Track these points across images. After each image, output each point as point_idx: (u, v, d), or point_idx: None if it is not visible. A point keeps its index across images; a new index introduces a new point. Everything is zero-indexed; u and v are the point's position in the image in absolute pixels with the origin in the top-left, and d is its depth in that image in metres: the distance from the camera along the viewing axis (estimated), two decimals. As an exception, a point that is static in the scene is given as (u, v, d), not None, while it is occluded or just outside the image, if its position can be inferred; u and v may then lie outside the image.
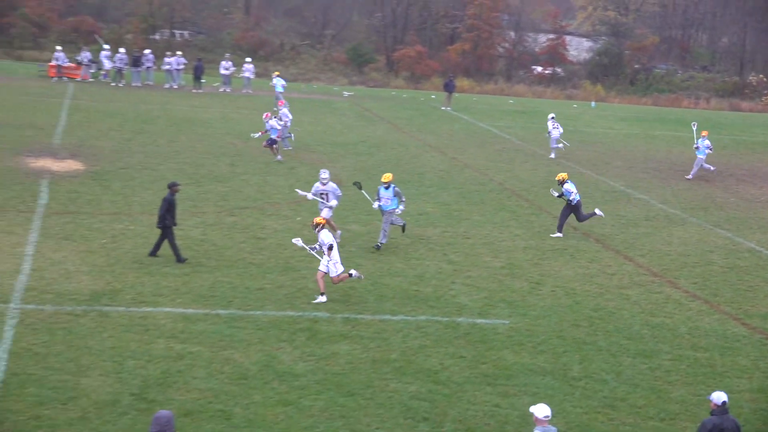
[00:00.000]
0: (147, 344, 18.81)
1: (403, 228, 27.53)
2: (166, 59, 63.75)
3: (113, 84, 61.72)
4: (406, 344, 19.85)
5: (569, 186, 29.44)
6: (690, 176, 41.72)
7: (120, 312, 20.44)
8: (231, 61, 64.56)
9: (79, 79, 62.11)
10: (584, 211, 30.11)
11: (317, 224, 22.32)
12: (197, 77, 62.34)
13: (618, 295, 24.35)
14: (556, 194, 29.97)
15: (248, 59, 66.18)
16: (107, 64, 62.95)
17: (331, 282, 22.09)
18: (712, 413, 13.75)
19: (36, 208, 28.55)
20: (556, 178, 30.14)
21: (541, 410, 12.80)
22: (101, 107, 50.47)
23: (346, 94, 67.86)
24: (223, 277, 23.17)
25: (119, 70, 62.41)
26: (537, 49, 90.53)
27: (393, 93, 71.68)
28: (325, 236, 22.03)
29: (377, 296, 22.73)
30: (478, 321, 21.59)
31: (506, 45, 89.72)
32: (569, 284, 24.92)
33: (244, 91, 62.53)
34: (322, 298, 21.83)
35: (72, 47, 70.01)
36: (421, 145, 46.01)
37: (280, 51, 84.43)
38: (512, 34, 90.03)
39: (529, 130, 53.95)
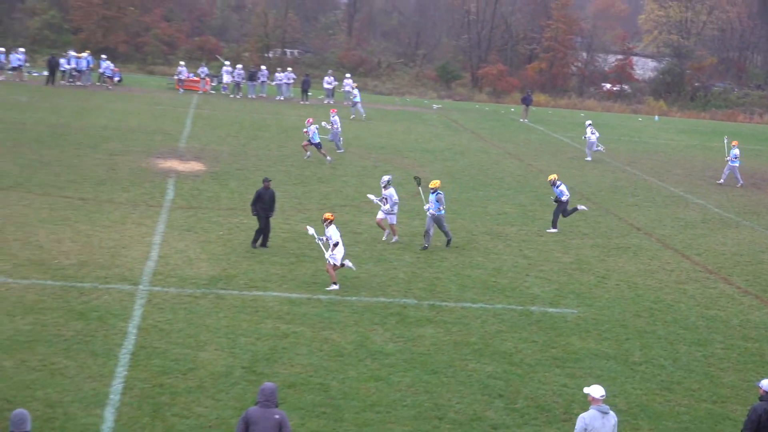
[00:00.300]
0: (257, 324, 18.98)
1: (426, 246, 25.79)
2: (278, 74, 64.28)
3: (232, 96, 62.38)
4: (484, 329, 19.76)
5: (563, 187, 28.97)
6: (722, 180, 41.23)
7: (234, 295, 20.65)
8: (333, 76, 64.83)
9: (199, 91, 62.88)
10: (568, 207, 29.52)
11: (326, 219, 21.93)
12: (304, 90, 62.73)
13: (676, 289, 23.98)
14: (553, 199, 29.54)
15: (348, 75, 66.40)
16: (227, 78, 63.67)
17: (327, 269, 22.03)
18: (760, 399, 13.43)
19: (163, 203, 28.96)
20: (548, 179, 29.57)
21: (596, 390, 12.63)
22: (221, 116, 51.05)
23: (435, 106, 67.74)
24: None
25: (237, 84, 63.10)
26: (606, 68, 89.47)
27: (476, 106, 71.38)
28: (333, 232, 21.58)
29: (459, 286, 22.66)
30: (549, 310, 21.41)
31: (579, 64, 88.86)
32: (632, 279, 24.59)
33: (345, 103, 62.76)
34: (335, 287, 21.50)
35: (197, 63, 70.92)
36: (501, 153, 45.77)
37: (377, 68, 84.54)
38: (584, 54, 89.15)
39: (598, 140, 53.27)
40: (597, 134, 46.17)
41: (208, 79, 64.73)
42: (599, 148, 45.78)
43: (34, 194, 28.53)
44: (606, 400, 12.70)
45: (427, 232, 25.80)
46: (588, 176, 40.55)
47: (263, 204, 24.71)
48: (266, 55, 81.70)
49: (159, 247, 23.96)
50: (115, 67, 65.04)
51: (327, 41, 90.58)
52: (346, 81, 63.52)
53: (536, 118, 63.58)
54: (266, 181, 25.38)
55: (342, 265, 21.55)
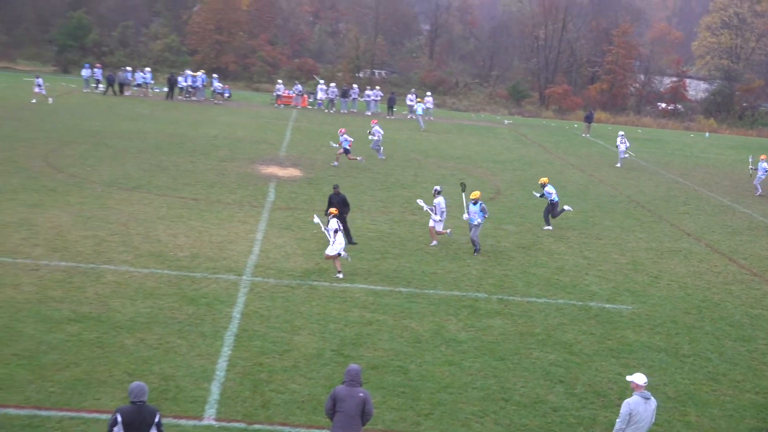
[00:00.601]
0: (345, 312, 19.04)
1: (476, 250, 24.83)
2: (367, 92, 64.45)
3: (326, 111, 62.72)
4: (547, 321, 19.56)
5: (550, 188, 28.49)
6: (759, 192, 40.24)
7: (325, 286, 20.74)
8: (416, 94, 64.82)
9: (294, 106, 63.42)
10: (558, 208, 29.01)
11: (330, 213, 22.11)
12: (390, 107, 62.82)
13: (723, 289, 23.46)
14: (538, 195, 29.17)
15: (429, 93, 66.32)
16: (321, 95, 64.07)
17: (325, 258, 22.04)
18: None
19: (265, 204, 29.24)
20: (539, 182, 29.05)
21: (639, 378, 12.44)
22: (316, 128, 51.35)
23: (506, 122, 67.27)
24: (405, 262, 23.26)
25: (331, 100, 63.46)
26: (662, 89, 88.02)
27: (543, 122, 70.71)
28: (332, 224, 21.46)
29: (525, 282, 22.46)
30: (606, 306, 21.11)
31: (637, 85, 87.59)
32: (682, 279, 24.12)
33: (427, 117, 62.65)
34: (340, 275, 21.40)
35: (295, 82, 71.50)
36: (565, 164, 45.27)
37: (455, 87, 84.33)
38: (642, 76, 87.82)
39: (653, 154, 52.43)
40: (627, 144, 46.49)
41: (305, 95, 65.29)
42: (626, 155, 46.34)
43: (154, 194, 29.03)
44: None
45: (473, 240, 24.84)
46: (644, 186, 39.86)
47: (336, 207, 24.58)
48: (357, 74, 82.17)
49: (260, 242, 24.19)
50: (225, 84, 65.98)
51: (411, 63, 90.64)
52: (427, 99, 63.46)
53: (597, 133, 62.72)
54: (336, 187, 25.35)
55: (339, 254, 21.32)
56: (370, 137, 41.25)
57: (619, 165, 45.69)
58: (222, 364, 15.72)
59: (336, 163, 38.30)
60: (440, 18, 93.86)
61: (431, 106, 63.76)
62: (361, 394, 11.82)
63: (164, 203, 27.97)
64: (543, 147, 52.17)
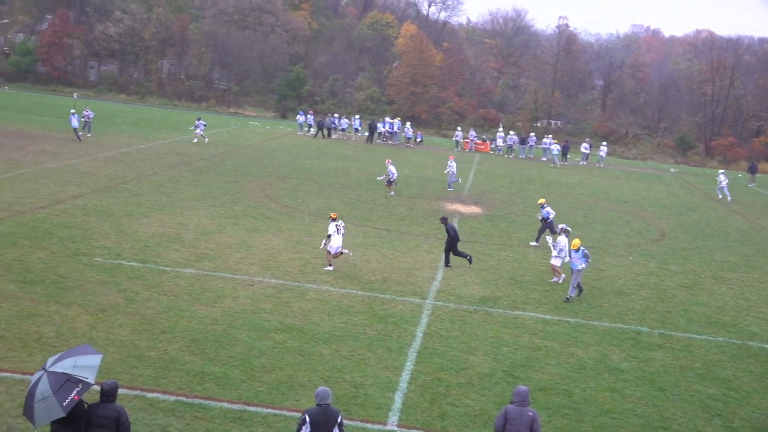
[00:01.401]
0: (516, 337, 18.72)
1: (580, 291, 22.52)
2: (544, 140, 63.61)
3: (506, 156, 62.42)
4: (707, 357, 18.52)
5: (549, 209, 28.70)
6: None
7: (499, 313, 20.49)
8: (590, 143, 63.48)
9: (467, 149, 63.68)
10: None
11: (330, 217, 23.25)
12: (564, 154, 61.74)
13: None
14: (540, 217, 29.05)
15: (604, 142, 64.81)
16: (500, 142, 63.82)
17: (328, 254, 22.94)
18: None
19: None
20: (538, 203, 29.43)
21: None
22: (496, 171, 51.15)
23: (672, 170, 64.72)
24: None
25: (510, 146, 63.10)
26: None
27: (708, 171, 67.50)
28: (330, 228, 22.64)
29: (687, 319, 21.37)
30: (767, 346, 19.77)
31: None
32: (844, 325, 22.30)
33: (598, 165, 61.26)
34: (330, 268, 22.76)
35: (480, 130, 71.64)
36: (728, 211, 42.97)
37: (625, 137, 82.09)
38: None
39: (816, 204, 49.13)
40: (727, 180, 47.66)
41: (487, 142, 65.25)
42: (722, 194, 47.24)
43: (352, 224, 29.63)
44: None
45: (578, 286, 22.52)
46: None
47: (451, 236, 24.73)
48: (535, 124, 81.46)
49: (443, 271, 24.19)
50: (418, 130, 66.89)
51: (584, 114, 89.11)
52: (601, 147, 62.07)
53: (762, 183, 59.36)
54: (444, 219, 25.27)
55: (340, 252, 22.79)
56: (445, 171, 41.97)
57: (720, 197, 45.24)
58: (405, 376, 15.75)
59: (392, 193, 37.70)
60: (613, 74, 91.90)
61: (604, 154, 62.31)
62: (531, 414, 11.53)
63: (361, 232, 28.49)
64: (707, 194, 49.78)
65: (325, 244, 22.95)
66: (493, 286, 22.95)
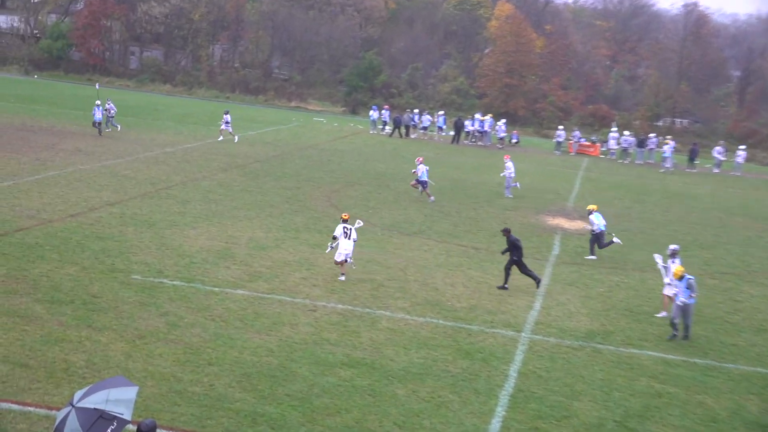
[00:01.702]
0: (631, 380, 18.41)
1: (677, 333, 21.48)
2: (665, 145, 62.62)
3: (619, 161, 61.67)
4: None
5: (594, 217, 29.22)
6: None
7: (610, 350, 20.18)
8: (724, 147, 62.28)
9: (571, 152, 63.11)
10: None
11: (342, 219, 24.15)
12: (692, 159, 60.66)
13: None
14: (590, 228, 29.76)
15: (741, 146, 63.48)
16: (614, 144, 63.07)
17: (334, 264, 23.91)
18: None
19: (549, 257, 29.02)
20: (587, 208, 30.18)
21: None
22: (608, 179, 50.60)
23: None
24: (702, 331, 22.14)
25: (625, 149, 62.34)
26: None
27: None
28: (337, 231, 23.64)
29: (844, 364, 20.71)
30: None
31: None
32: None
33: (733, 173, 59.98)
34: (342, 278, 23.57)
35: (588, 129, 70.94)
36: None
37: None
38: None
39: None
40: None
41: (597, 144, 64.63)
42: None
43: (434, 240, 29.60)
44: None
45: (673, 325, 21.45)
46: None
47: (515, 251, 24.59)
48: (655, 123, 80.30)
49: (542, 298, 23.97)
50: (514, 130, 66.63)
51: (717, 112, 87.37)
52: (738, 152, 60.92)
53: None
54: (506, 231, 25.11)
55: (345, 261, 23.52)
56: (502, 174, 41.83)
57: None
58: (495, 424, 15.61)
59: (432, 198, 37.53)
60: (754, 63, 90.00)
61: (742, 160, 61.04)
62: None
63: (444, 250, 28.44)
64: None
65: (331, 247, 24.00)
66: (603, 317, 22.64)
